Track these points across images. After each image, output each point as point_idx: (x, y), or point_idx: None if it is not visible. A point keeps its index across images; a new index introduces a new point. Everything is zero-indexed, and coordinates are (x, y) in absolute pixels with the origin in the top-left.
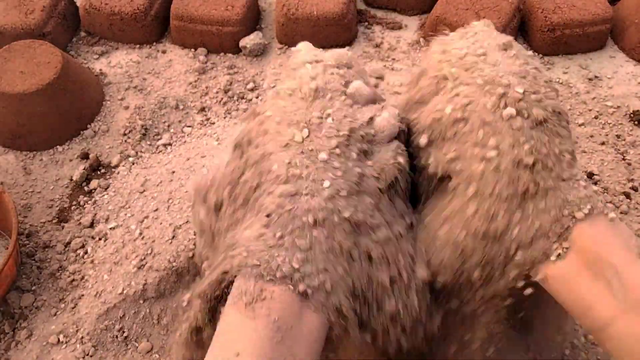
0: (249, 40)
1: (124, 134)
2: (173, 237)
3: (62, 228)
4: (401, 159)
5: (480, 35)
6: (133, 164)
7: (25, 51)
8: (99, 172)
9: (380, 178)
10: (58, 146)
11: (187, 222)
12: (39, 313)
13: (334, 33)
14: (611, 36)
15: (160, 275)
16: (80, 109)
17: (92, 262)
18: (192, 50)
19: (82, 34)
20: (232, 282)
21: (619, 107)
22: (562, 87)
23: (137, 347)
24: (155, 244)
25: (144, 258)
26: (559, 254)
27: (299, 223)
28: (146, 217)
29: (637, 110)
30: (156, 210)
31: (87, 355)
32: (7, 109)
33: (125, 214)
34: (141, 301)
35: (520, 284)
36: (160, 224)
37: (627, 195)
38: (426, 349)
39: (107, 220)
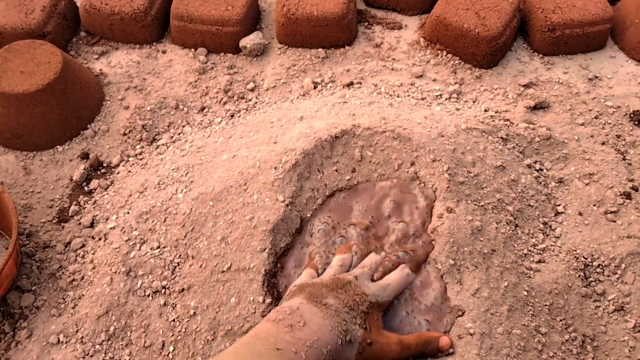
0: (249, 40)
1: (124, 134)
2: None
3: (62, 228)
4: None
5: None
6: (133, 164)
7: (25, 51)
8: (99, 172)
9: None
10: (58, 146)
11: None
12: (39, 313)
13: (334, 33)
14: (611, 36)
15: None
16: (80, 109)
17: (92, 262)
18: (192, 50)
19: (82, 34)
20: None
21: (619, 107)
22: (562, 87)
23: (138, 347)
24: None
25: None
26: None
27: None
28: (146, 217)
29: (637, 110)
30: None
31: (87, 355)
32: (7, 109)
33: (125, 214)
34: (142, 301)
35: None
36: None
37: (627, 195)
38: None
39: (107, 220)
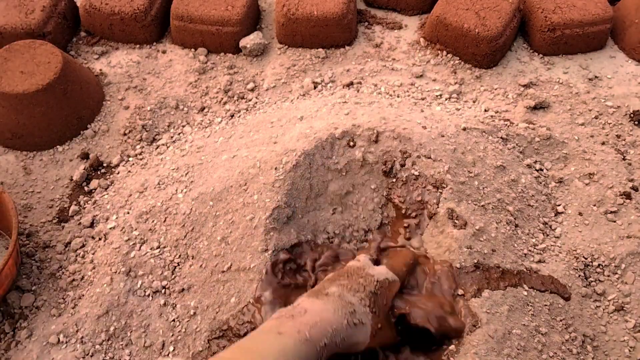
0: (249, 40)
1: (124, 134)
2: None
3: (62, 228)
4: None
5: None
6: (133, 164)
7: (25, 51)
8: (99, 172)
9: None
10: (58, 146)
11: None
12: (39, 313)
13: (334, 33)
14: (611, 36)
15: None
16: (80, 109)
17: (92, 262)
18: (192, 50)
19: (82, 34)
20: None
21: (619, 107)
22: (562, 87)
23: (138, 347)
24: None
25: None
26: None
27: None
28: (146, 217)
29: (637, 110)
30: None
31: (87, 355)
32: (7, 109)
33: (125, 214)
34: (142, 301)
35: None
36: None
37: (627, 195)
38: None
39: (107, 220)
